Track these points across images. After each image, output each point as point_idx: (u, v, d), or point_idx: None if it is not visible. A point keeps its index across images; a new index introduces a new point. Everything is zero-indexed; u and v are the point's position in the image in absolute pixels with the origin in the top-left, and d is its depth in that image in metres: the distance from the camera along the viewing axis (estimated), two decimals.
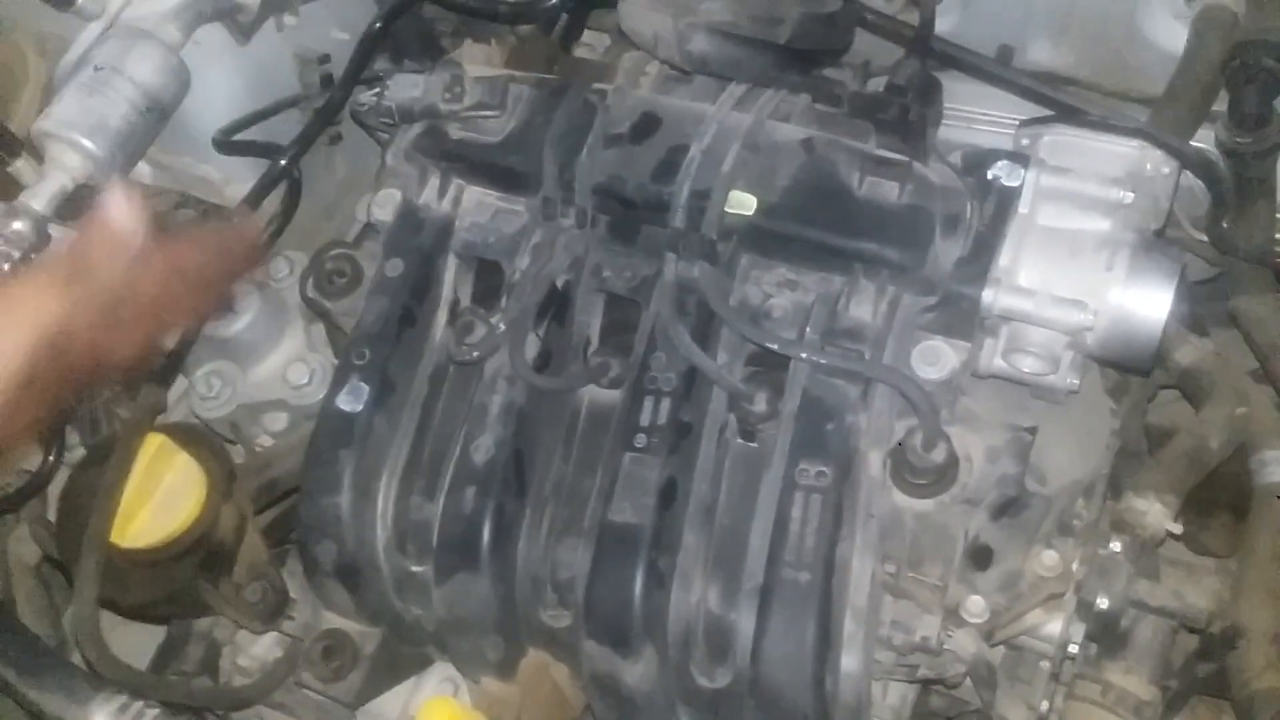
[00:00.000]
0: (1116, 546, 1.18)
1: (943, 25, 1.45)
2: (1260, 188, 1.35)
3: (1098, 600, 1.14)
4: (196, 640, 1.21)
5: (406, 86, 1.15)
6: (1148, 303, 0.98)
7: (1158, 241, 1.03)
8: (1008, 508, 1.05)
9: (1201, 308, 1.51)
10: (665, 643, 0.99)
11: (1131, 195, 1.00)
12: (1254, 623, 1.22)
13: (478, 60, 1.22)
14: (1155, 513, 1.22)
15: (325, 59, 1.48)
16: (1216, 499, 1.38)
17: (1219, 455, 1.30)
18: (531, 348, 1.11)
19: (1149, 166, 1.05)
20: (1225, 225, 1.33)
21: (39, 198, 1.20)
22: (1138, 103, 1.43)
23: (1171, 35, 1.39)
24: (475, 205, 1.16)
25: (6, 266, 1.15)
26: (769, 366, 1.06)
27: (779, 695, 0.96)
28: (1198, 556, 1.40)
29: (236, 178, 1.46)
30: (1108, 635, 1.16)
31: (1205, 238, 1.37)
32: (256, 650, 1.20)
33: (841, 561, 0.96)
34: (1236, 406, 1.31)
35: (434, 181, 1.16)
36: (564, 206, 1.11)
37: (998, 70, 1.23)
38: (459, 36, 1.38)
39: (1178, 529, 1.23)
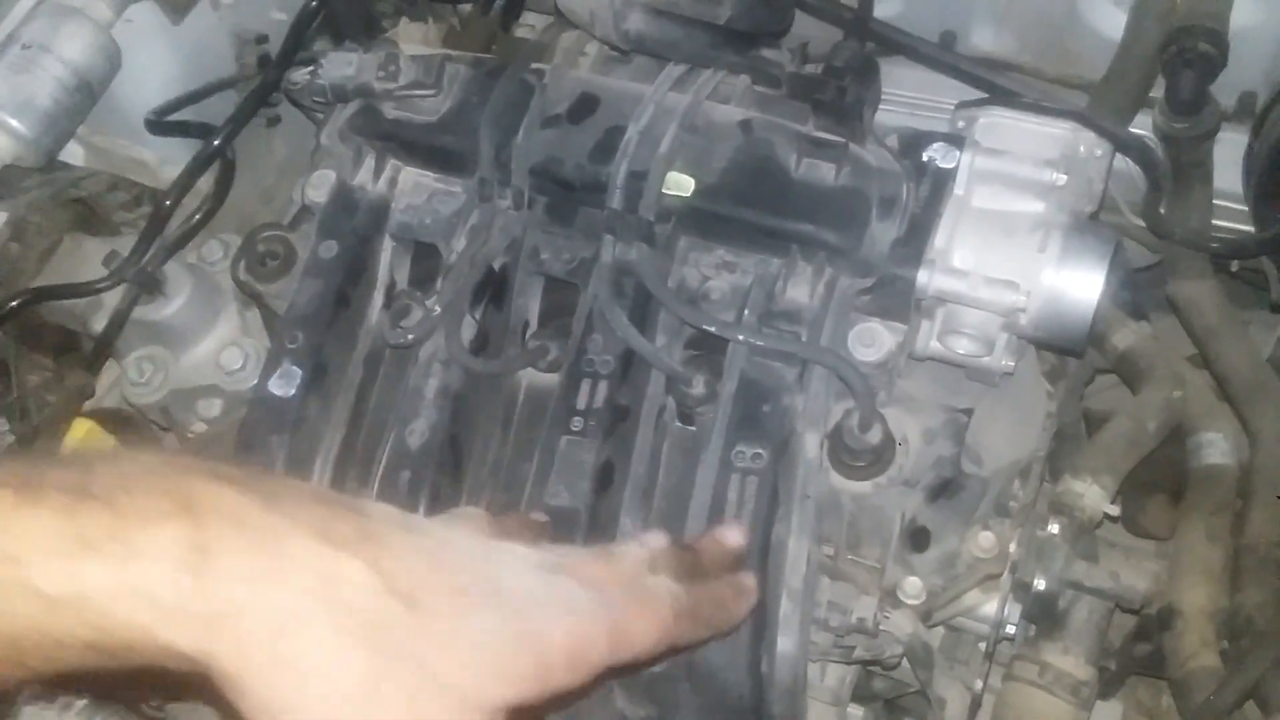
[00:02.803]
0: (1054, 528, 1.19)
1: (886, 10, 1.45)
2: (1197, 173, 1.37)
3: (1035, 581, 1.15)
4: None
5: (340, 65, 1.13)
6: (1080, 284, 0.98)
7: (1091, 223, 1.03)
8: (944, 489, 1.05)
9: (1141, 294, 1.53)
10: None
11: (1065, 177, 1.00)
12: (1189, 603, 1.23)
13: (414, 39, 1.20)
14: (1093, 495, 1.23)
15: (263, 39, 1.46)
16: (1154, 482, 1.39)
17: (1156, 438, 1.31)
18: (468, 331, 1.09)
19: (1082, 149, 1.05)
20: (1162, 210, 1.34)
21: None
22: (1078, 89, 1.44)
23: (1111, 21, 1.40)
24: (411, 186, 1.14)
25: None
26: (707, 349, 1.06)
27: (715, 677, 0.95)
28: (1137, 539, 1.42)
29: (171, 160, 1.43)
30: (1045, 616, 1.17)
31: (1143, 223, 1.39)
32: None
33: (777, 543, 0.96)
34: (1173, 390, 1.32)
35: (369, 162, 1.15)
36: (500, 188, 1.09)
37: (938, 54, 1.24)
38: (400, 17, 1.36)
39: (1115, 511, 1.24)
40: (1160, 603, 1.25)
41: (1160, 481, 1.39)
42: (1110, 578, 1.19)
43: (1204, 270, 1.40)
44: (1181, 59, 1.27)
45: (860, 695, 1.19)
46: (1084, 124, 1.05)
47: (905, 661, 1.09)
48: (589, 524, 0.99)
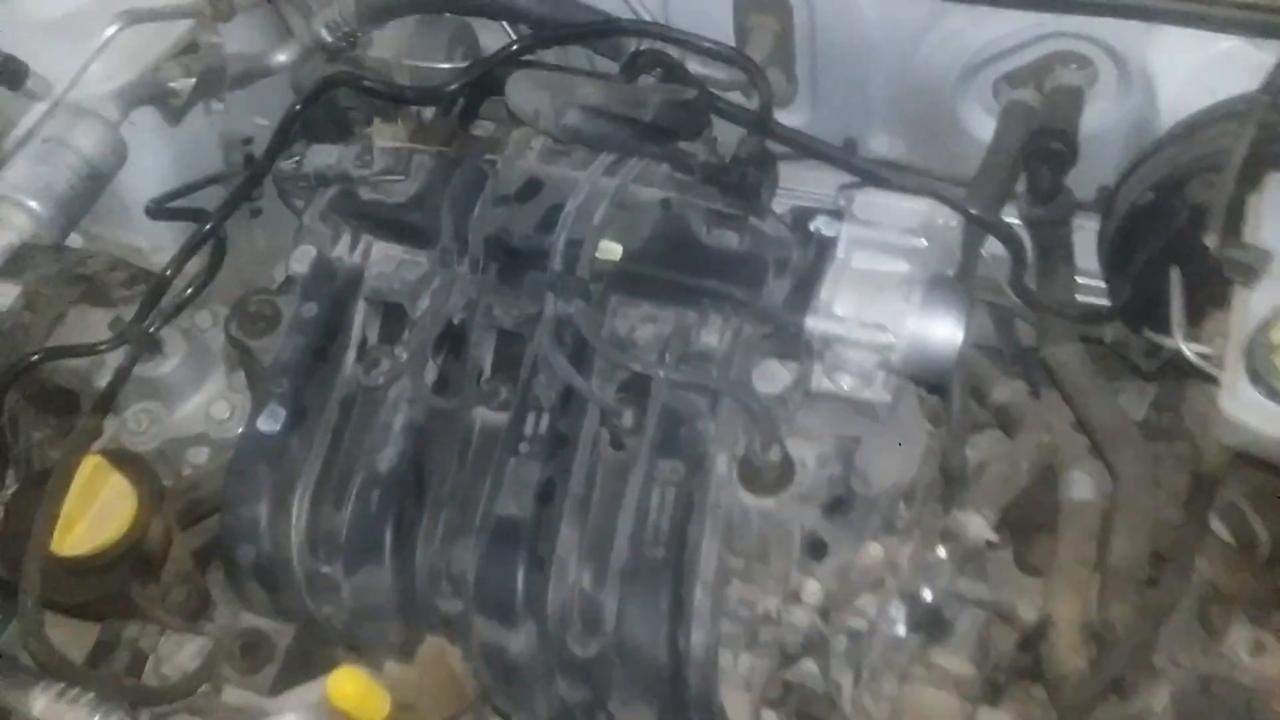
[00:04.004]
0: (942, 553, 1.38)
1: (797, 120, 1.70)
2: (1059, 253, 1.60)
3: (923, 593, 1.33)
4: (124, 648, 1.33)
5: (322, 155, 1.33)
6: (939, 327, 1.18)
7: (948, 280, 1.24)
8: (838, 506, 1.24)
9: (1033, 370, 1.74)
10: (545, 619, 1.15)
11: (925, 242, 1.22)
12: (1061, 614, 1.41)
13: (385, 136, 1.41)
14: (975, 524, 1.42)
15: (249, 141, 1.66)
16: (1039, 523, 1.58)
17: (1029, 476, 1.50)
18: (430, 375, 1.27)
19: (940, 220, 1.27)
20: (1028, 283, 1.57)
21: None
22: (961, 184, 1.67)
23: (985, 127, 1.64)
24: (382, 257, 1.33)
25: None
26: (637, 393, 1.24)
27: (641, 656, 1.12)
28: (1025, 575, 1.60)
29: (163, 247, 1.61)
30: (934, 625, 1.34)
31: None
32: (179, 660, 1.32)
33: (692, 542, 1.13)
34: (1042, 435, 1.52)
35: (346, 238, 1.34)
36: (459, 256, 1.29)
37: (831, 152, 1.46)
38: (369, 123, 1.56)
39: (995, 538, 1.43)
40: (1038, 616, 1.43)
41: (1043, 521, 1.58)
42: (989, 591, 1.37)
43: (1071, 336, 1.62)
44: (1038, 156, 1.51)
45: (772, 701, 1.35)
46: (941, 200, 1.27)
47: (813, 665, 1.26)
48: (533, 532, 1.16)
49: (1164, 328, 1.52)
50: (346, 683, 1.10)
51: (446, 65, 1.62)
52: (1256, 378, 1.18)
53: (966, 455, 1.56)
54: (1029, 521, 1.56)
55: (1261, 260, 1.23)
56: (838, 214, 1.25)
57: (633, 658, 1.12)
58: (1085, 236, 1.63)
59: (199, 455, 1.42)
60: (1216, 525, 1.64)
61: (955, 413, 1.42)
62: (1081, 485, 1.52)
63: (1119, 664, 1.33)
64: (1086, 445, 1.59)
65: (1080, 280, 1.65)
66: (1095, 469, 1.54)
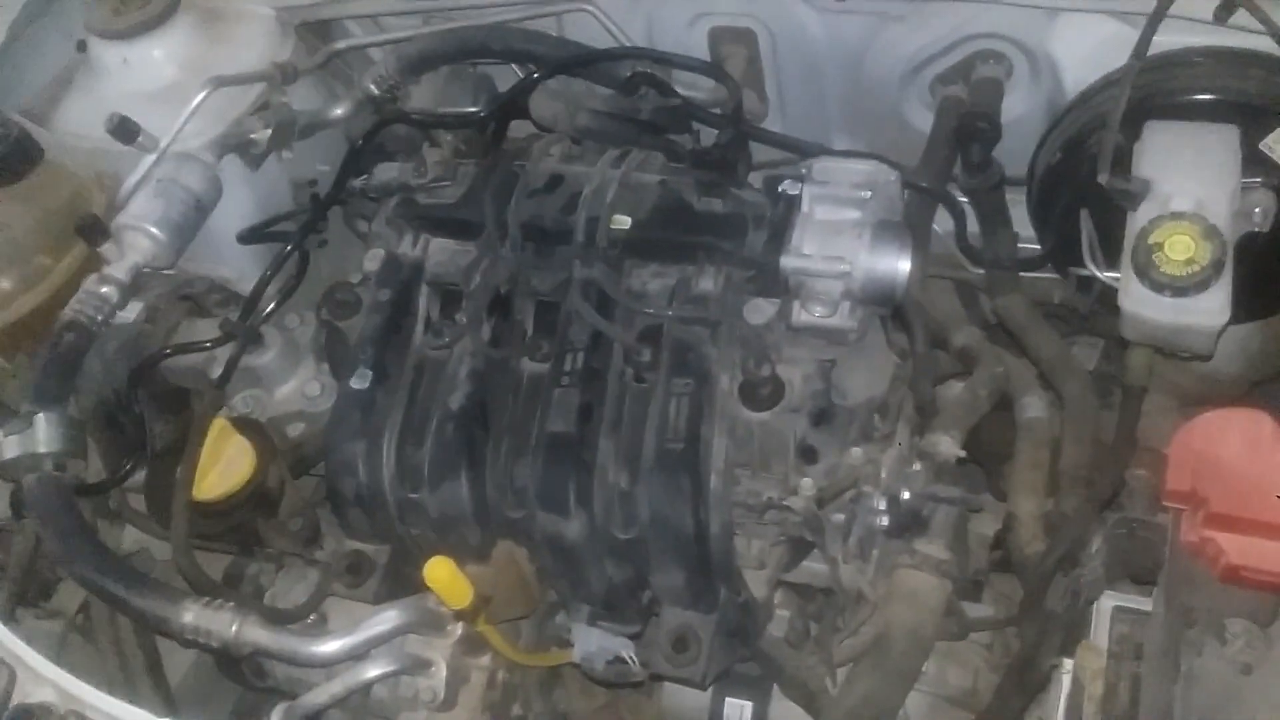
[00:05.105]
0: (917, 467, 1.66)
1: (774, 127, 2.01)
2: (998, 217, 1.90)
3: (903, 495, 1.60)
4: (248, 583, 1.61)
5: (386, 170, 1.66)
6: (885, 259, 1.48)
7: (892, 223, 1.54)
8: (823, 417, 1.52)
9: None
10: (593, 511, 1.44)
11: (869, 193, 1.52)
12: (1021, 510, 1.68)
13: (434, 157, 1.73)
14: (944, 443, 1.69)
15: (313, 183, 1.98)
16: (1008, 453, 1.86)
17: (988, 402, 1.78)
18: (485, 335, 1.57)
19: (881, 178, 1.57)
20: (969, 242, 1.87)
21: (120, 270, 1.66)
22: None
23: (926, 120, 1.95)
24: (438, 250, 1.64)
25: (99, 317, 1.61)
26: (653, 339, 1.54)
27: (670, 531, 1.40)
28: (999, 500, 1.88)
29: (248, 275, 1.92)
30: (914, 522, 1.62)
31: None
32: (292, 595, 1.61)
33: (704, 438, 1.42)
34: (996, 367, 1.81)
35: (408, 237, 1.65)
36: (501, 242, 1.59)
37: (790, 141, 1.77)
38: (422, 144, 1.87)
39: (962, 454, 1.70)
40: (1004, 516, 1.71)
41: (1009, 453, 1.86)
42: (958, 491, 1.64)
43: (1014, 286, 1.91)
44: (968, 135, 1.82)
45: (782, 604, 1.62)
46: (885, 163, 1.57)
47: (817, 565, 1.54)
48: (578, 443, 1.45)
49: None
50: (439, 568, 1.37)
51: (473, 109, 1.95)
52: (1143, 274, 1.47)
53: (933, 389, 1.86)
54: (1000, 454, 1.85)
55: (1142, 188, 1.53)
56: (800, 178, 1.55)
57: (664, 534, 1.41)
58: (1022, 210, 1.93)
59: (297, 429, 1.72)
60: None
61: (918, 347, 1.71)
62: (1033, 407, 1.80)
63: (1067, 539, 1.59)
64: (1036, 375, 1.88)
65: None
66: (1042, 392, 1.83)
